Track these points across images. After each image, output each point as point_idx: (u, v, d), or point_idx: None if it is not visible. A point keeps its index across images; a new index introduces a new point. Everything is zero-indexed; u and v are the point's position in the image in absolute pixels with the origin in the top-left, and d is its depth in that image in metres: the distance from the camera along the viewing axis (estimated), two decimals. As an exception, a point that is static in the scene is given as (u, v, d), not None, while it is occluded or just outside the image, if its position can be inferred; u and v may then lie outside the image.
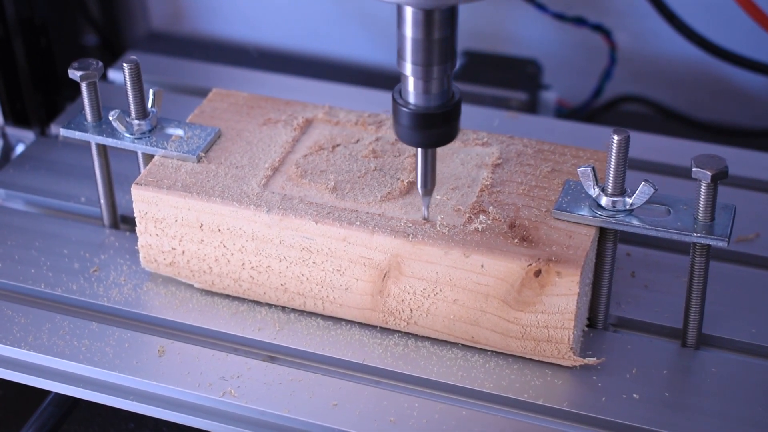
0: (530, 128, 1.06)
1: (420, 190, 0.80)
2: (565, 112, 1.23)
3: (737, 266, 0.91)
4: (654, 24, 1.17)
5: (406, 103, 0.75)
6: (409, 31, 0.72)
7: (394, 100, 0.75)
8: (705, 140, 1.11)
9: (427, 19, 0.71)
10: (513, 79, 1.17)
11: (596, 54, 1.22)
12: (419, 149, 0.77)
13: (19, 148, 1.08)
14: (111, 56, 1.35)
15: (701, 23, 1.14)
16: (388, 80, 1.29)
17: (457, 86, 0.76)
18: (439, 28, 0.71)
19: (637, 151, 1.01)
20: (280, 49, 1.37)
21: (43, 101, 1.10)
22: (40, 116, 1.10)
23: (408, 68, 0.73)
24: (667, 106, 1.26)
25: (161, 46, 1.38)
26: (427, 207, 0.81)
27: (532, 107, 1.18)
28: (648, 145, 1.04)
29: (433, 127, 0.75)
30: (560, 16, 1.19)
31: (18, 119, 1.09)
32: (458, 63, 1.19)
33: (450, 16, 0.71)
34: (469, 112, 1.07)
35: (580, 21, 1.19)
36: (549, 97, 1.19)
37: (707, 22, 1.15)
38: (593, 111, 1.24)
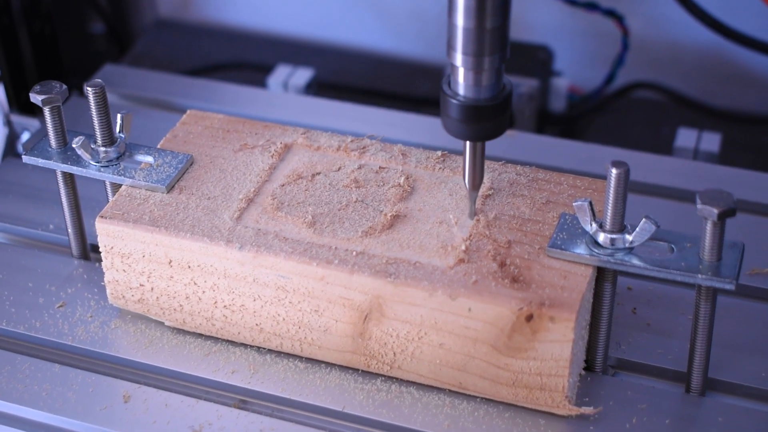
0: (527, 148, 1.00)
1: (467, 186, 0.77)
2: (576, 99, 1.21)
3: (748, 301, 0.85)
4: (667, 9, 1.15)
5: (455, 95, 0.72)
6: (460, 20, 0.69)
7: (442, 91, 0.73)
8: (718, 128, 1.07)
9: (479, 7, 0.68)
10: (524, 66, 1.15)
11: (608, 40, 1.20)
12: (467, 143, 0.75)
13: (25, 136, 1.06)
14: (118, 45, 1.34)
15: (714, 7, 1.10)
16: (397, 68, 1.30)
17: (508, 78, 0.73)
18: (491, 17, 0.69)
19: (641, 173, 0.95)
20: (289, 36, 1.34)
21: None
22: None
23: (458, 59, 0.71)
24: (680, 93, 1.23)
25: (169, 34, 1.36)
26: (474, 202, 0.78)
27: (543, 94, 1.15)
28: (654, 167, 0.98)
29: (483, 120, 0.73)
30: (572, 2, 1.16)
31: (23, 108, 1.08)
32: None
33: (503, 4, 0.69)
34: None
35: (592, 6, 1.16)
36: (560, 83, 1.18)
37: (720, 7, 1.11)
38: (605, 98, 1.21)
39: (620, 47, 1.17)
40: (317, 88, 1.18)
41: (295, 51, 1.31)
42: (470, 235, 0.77)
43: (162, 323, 0.83)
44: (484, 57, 0.70)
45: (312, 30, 1.33)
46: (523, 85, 1.12)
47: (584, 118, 1.21)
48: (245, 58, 1.30)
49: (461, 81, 0.72)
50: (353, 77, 1.27)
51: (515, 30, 1.30)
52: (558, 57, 1.20)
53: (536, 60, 1.17)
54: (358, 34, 1.32)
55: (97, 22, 1.34)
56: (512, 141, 1.01)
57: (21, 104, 1.08)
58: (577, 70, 1.24)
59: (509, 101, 0.73)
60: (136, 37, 1.38)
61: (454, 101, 0.72)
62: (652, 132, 1.17)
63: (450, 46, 0.71)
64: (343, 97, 1.08)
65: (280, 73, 1.17)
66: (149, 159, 0.83)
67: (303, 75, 1.17)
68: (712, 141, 1.06)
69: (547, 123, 1.18)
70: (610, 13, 1.16)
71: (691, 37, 1.20)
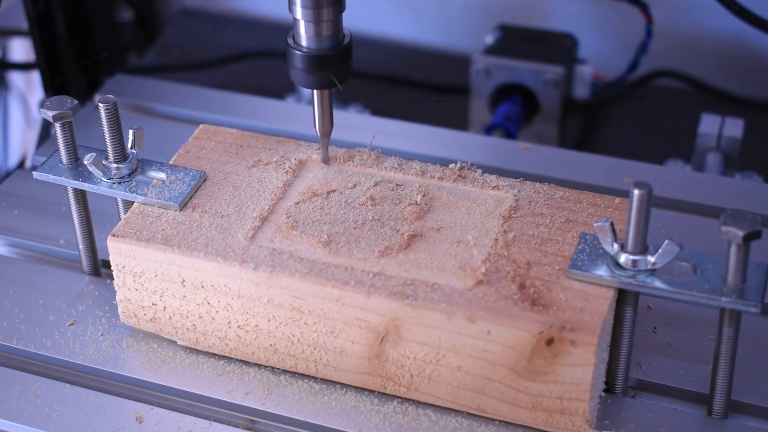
0: (541, 161, 0.98)
1: (318, 133, 0.82)
2: (600, 86, 1.21)
3: (770, 320, 0.83)
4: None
5: (299, 47, 0.78)
6: None
7: (288, 44, 0.78)
8: (740, 116, 1.06)
9: None
10: (549, 53, 1.16)
11: (632, 28, 1.20)
12: (315, 91, 0.80)
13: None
14: (145, 34, 1.35)
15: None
16: (420, 56, 1.31)
17: (347, 29, 0.79)
18: None
19: (659, 187, 0.94)
20: None
21: (83, 76, 1.13)
22: (80, 90, 1.12)
23: (299, 12, 0.76)
24: (703, 81, 1.23)
25: (196, 23, 1.37)
26: (326, 149, 0.83)
27: (568, 81, 1.16)
28: (671, 180, 0.96)
29: (326, 69, 0.78)
30: None
31: (58, 93, 1.08)
32: (495, 38, 1.18)
33: None
34: (476, 144, 1.01)
35: None
36: (585, 71, 1.19)
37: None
38: (628, 85, 1.22)
39: (644, 35, 1.17)
40: None
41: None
42: (489, 256, 0.75)
43: (174, 342, 0.82)
44: (322, 9, 0.76)
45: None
46: (549, 72, 1.14)
47: (607, 106, 1.22)
48: (272, 47, 1.30)
49: (303, 33, 0.77)
50: (377, 65, 1.27)
51: (540, 18, 1.32)
52: (582, 45, 1.21)
53: (561, 47, 1.18)
54: (381, 23, 1.32)
55: (124, 10, 1.35)
56: (527, 154, 0.99)
57: (56, 89, 1.11)
58: (600, 57, 1.24)
59: (350, 50, 0.79)
60: (163, 25, 1.38)
61: (298, 53, 0.77)
62: (674, 120, 1.17)
63: (290, 1, 0.76)
64: (367, 86, 1.09)
65: None
66: (162, 175, 0.82)
67: None
68: (735, 127, 1.06)
69: (571, 110, 1.19)
70: (635, 1, 1.16)
71: (714, 25, 1.21)
